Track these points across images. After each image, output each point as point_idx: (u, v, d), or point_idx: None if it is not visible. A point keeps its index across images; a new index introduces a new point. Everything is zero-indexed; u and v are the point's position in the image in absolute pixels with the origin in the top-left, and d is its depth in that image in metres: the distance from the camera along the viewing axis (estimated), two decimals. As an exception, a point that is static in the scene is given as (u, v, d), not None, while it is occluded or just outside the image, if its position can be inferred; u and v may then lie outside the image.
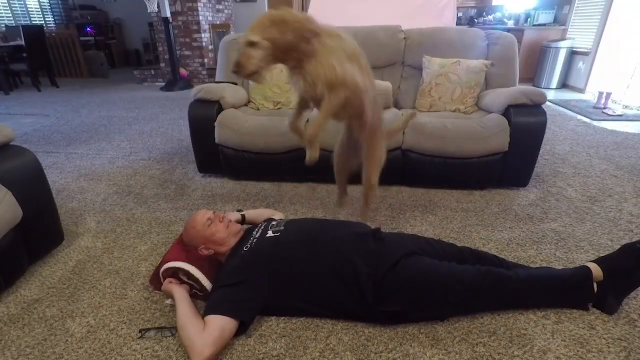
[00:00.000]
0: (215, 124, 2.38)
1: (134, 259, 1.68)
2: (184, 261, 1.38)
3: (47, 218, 1.64)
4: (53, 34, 7.62)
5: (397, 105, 2.73)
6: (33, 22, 8.28)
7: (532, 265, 1.53)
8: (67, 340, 1.24)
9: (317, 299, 1.27)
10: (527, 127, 2.11)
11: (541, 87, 5.66)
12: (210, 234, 1.41)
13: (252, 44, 1.14)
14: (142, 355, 1.18)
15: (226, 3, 7.38)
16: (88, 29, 8.91)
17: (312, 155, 1.38)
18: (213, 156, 2.47)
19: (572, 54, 5.51)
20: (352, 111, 1.38)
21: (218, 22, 7.07)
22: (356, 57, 1.29)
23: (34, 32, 6.14)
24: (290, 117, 1.48)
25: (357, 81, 1.25)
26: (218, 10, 7.09)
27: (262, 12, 1.20)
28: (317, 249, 1.32)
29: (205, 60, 6.76)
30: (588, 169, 2.62)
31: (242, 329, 1.21)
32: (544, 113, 2.11)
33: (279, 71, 2.69)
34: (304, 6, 7.89)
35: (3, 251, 1.39)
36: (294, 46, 1.16)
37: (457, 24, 5.60)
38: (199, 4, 6.36)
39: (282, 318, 1.31)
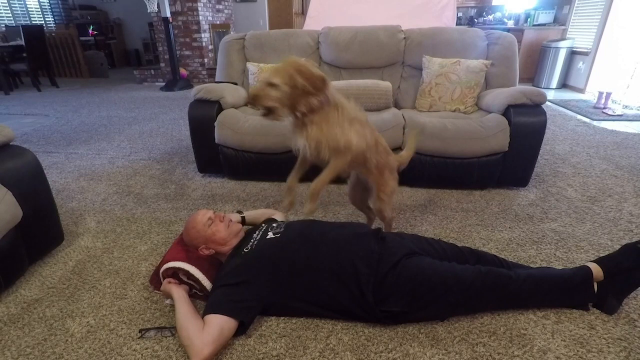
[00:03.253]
0: (215, 124, 2.38)
1: (134, 259, 1.68)
2: (184, 261, 1.38)
3: (47, 218, 1.64)
4: (53, 34, 7.62)
5: (397, 105, 2.73)
6: (33, 22, 8.29)
7: (532, 265, 1.53)
8: (67, 340, 1.24)
9: (317, 299, 1.28)
10: (527, 127, 2.11)
11: (541, 87, 5.66)
12: (210, 234, 1.42)
13: (272, 85, 1.23)
14: (142, 355, 1.18)
15: (226, 3, 7.38)
16: (91, 31, 8.89)
17: (311, 208, 1.40)
18: (213, 156, 2.47)
19: (572, 54, 5.51)
20: (356, 165, 1.47)
21: (218, 22, 7.08)
22: (357, 120, 1.35)
23: (34, 32, 6.14)
24: (292, 173, 1.51)
25: (359, 145, 1.34)
26: (218, 10, 7.09)
27: (287, 57, 1.27)
28: (317, 250, 1.32)
29: (205, 60, 6.77)
30: (588, 169, 2.62)
31: (241, 329, 1.21)
32: (544, 113, 2.11)
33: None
34: (304, 6, 7.89)
35: (3, 251, 1.39)
36: (306, 100, 1.24)
37: (457, 24, 5.62)
38: (199, 4, 6.37)
39: (282, 318, 1.31)
